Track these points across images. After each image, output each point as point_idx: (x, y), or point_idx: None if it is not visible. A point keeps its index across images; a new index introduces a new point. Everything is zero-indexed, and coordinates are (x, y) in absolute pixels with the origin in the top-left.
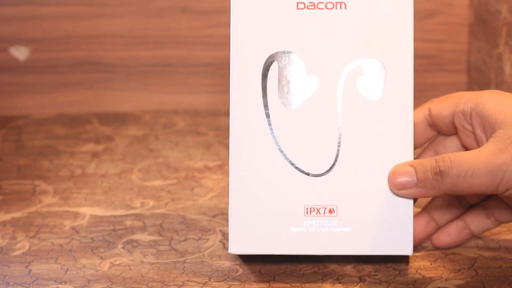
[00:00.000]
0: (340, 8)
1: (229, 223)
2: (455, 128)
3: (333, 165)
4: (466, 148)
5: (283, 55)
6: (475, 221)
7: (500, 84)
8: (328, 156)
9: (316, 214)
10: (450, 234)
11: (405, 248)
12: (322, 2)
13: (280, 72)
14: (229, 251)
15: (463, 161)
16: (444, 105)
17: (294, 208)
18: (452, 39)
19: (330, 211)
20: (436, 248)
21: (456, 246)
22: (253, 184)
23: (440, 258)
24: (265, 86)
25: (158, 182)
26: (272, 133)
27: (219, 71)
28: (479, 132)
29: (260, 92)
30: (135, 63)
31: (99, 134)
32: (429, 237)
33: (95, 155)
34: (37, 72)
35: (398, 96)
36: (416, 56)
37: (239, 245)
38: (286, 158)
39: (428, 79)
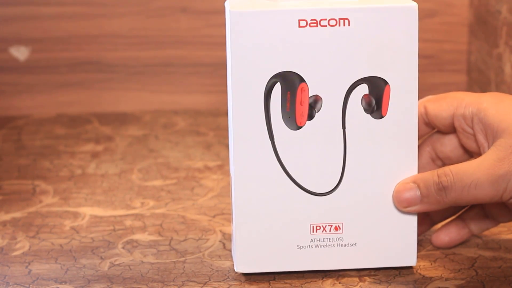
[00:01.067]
0: (344, 25)
1: (233, 242)
2: (454, 128)
3: (338, 184)
4: (464, 148)
5: (285, 75)
6: (474, 221)
7: (500, 84)
8: (333, 175)
9: (322, 232)
10: (449, 233)
11: (409, 259)
12: (325, 19)
13: (282, 93)
14: (236, 270)
15: (465, 174)
16: (443, 107)
17: (299, 227)
18: (452, 39)
19: (336, 228)
20: (436, 247)
21: (456, 245)
22: (257, 204)
23: (440, 258)
24: (267, 107)
25: (158, 182)
26: (277, 154)
27: (219, 71)
28: (480, 138)
29: (263, 114)
30: (135, 63)
31: (99, 134)
32: (424, 233)
33: (95, 155)
34: (37, 72)
35: (402, 113)
36: None
37: (245, 264)
38: (291, 178)
39: (428, 79)
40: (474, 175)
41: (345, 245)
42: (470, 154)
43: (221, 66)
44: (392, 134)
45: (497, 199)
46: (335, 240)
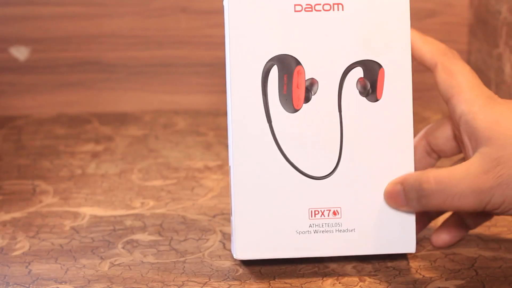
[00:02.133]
0: (338, 10)
1: (233, 229)
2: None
3: (335, 167)
4: (456, 139)
5: (282, 58)
6: (471, 217)
7: (500, 84)
8: (330, 158)
9: (321, 216)
10: (449, 232)
11: (408, 246)
12: (320, 4)
13: (280, 76)
14: (235, 257)
15: (448, 185)
16: (446, 80)
17: (298, 211)
18: (452, 39)
19: (334, 213)
20: (436, 247)
21: (455, 243)
22: (256, 189)
23: (440, 258)
24: (265, 91)
25: (158, 182)
26: (274, 137)
27: (219, 71)
28: (466, 139)
29: (261, 96)
30: (135, 63)
31: (99, 134)
32: (422, 230)
33: (95, 155)
34: (37, 72)
35: (397, 96)
36: None
37: (245, 250)
38: (289, 162)
39: (428, 79)
40: (458, 187)
41: (343, 231)
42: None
43: (221, 66)
44: (387, 116)
45: (480, 210)
46: (333, 225)
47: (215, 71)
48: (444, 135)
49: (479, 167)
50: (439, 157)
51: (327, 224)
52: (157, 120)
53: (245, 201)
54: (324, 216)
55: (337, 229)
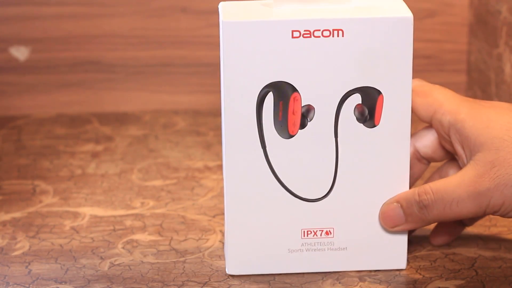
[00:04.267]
0: (338, 36)
1: (225, 245)
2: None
3: (329, 190)
4: (445, 149)
5: (278, 85)
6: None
7: (500, 84)
8: (324, 181)
9: (313, 236)
10: (446, 231)
11: (399, 262)
12: (319, 30)
13: (275, 102)
14: (227, 272)
15: (446, 193)
16: (424, 104)
17: (290, 231)
18: (452, 39)
19: (327, 233)
20: (435, 246)
21: (452, 240)
22: (249, 209)
23: (440, 258)
24: (260, 116)
25: (158, 182)
26: (269, 162)
27: (219, 71)
28: (459, 148)
29: (255, 122)
30: (135, 63)
31: (99, 134)
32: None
33: (95, 155)
34: (37, 72)
35: (395, 123)
36: (416, 56)
37: (236, 266)
38: (283, 185)
39: (428, 79)
40: (455, 193)
41: (335, 249)
42: (451, 154)
43: None
44: (384, 143)
45: (480, 214)
46: (325, 244)
47: (215, 71)
48: (430, 143)
49: (474, 172)
50: (429, 162)
51: (319, 243)
52: (157, 120)
53: (238, 220)
54: (317, 235)
55: (329, 248)
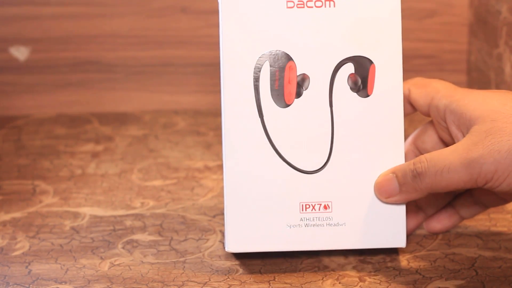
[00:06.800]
0: (329, 6)
1: (225, 222)
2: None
3: (326, 162)
4: (443, 142)
5: (274, 54)
6: (464, 207)
7: (500, 84)
8: (321, 153)
9: (312, 210)
10: (440, 220)
11: (398, 240)
12: (311, 1)
13: (271, 71)
14: (226, 249)
15: (439, 159)
16: (422, 94)
17: (289, 205)
18: (452, 39)
19: (325, 207)
20: (430, 233)
21: (448, 231)
22: (248, 183)
23: (440, 258)
24: (257, 86)
25: (158, 182)
26: (266, 131)
27: (219, 71)
28: (454, 129)
29: (253, 91)
30: (135, 63)
31: (99, 134)
32: (418, 227)
33: (95, 155)
34: (37, 72)
35: (388, 92)
36: (416, 56)
37: (236, 243)
38: (281, 156)
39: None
40: (447, 159)
41: (334, 225)
42: None
43: None
44: (378, 112)
45: (472, 184)
46: (324, 219)
47: (215, 71)
48: (430, 139)
49: (469, 141)
50: None
51: (317, 218)
52: (157, 120)
53: (237, 195)
54: (315, 210)
55: (327, 223)
